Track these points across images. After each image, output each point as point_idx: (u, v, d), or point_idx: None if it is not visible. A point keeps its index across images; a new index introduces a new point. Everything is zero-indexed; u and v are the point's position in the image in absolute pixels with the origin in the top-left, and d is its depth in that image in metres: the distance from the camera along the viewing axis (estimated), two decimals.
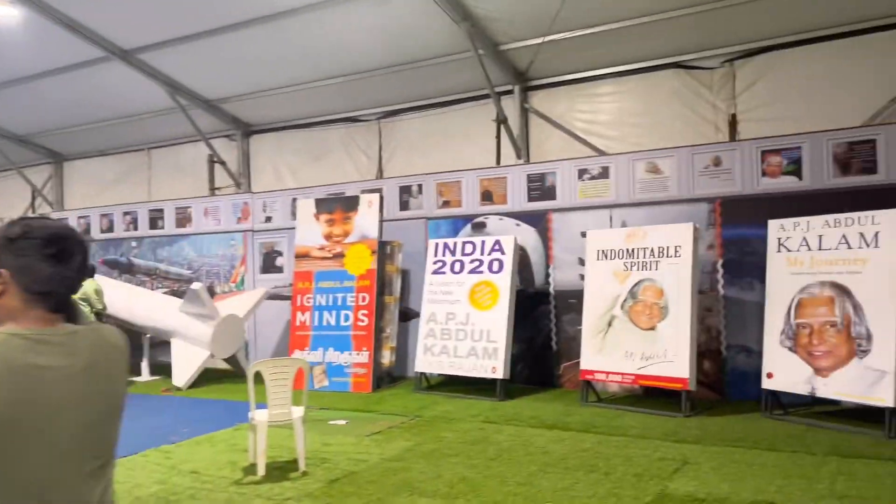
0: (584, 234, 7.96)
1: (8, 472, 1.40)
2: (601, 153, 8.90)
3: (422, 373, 8.44)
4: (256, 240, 10.81)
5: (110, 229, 12.41)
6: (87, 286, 8.99)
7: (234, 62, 9.92)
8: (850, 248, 6.14)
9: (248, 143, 11.93)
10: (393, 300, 8.98)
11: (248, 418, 5.46)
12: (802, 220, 6.56)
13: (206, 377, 9.37)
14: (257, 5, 8.50)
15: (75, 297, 1.64)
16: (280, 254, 10.57)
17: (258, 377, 5.21)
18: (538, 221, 8.70)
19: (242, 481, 5.12)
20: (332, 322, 8.80)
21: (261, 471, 5.19)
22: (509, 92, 9.52)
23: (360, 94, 10.33)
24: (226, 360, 9.63)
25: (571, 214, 8.51)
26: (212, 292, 10.60)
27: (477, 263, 8.31)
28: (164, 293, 11.06)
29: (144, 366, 9.93)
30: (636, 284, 7.23)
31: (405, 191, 9.68)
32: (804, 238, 6.51)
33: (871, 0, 7.26)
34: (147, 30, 9.35)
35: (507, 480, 4.91)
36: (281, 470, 5.34)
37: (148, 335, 9.87)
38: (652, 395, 7.49)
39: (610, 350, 7.29)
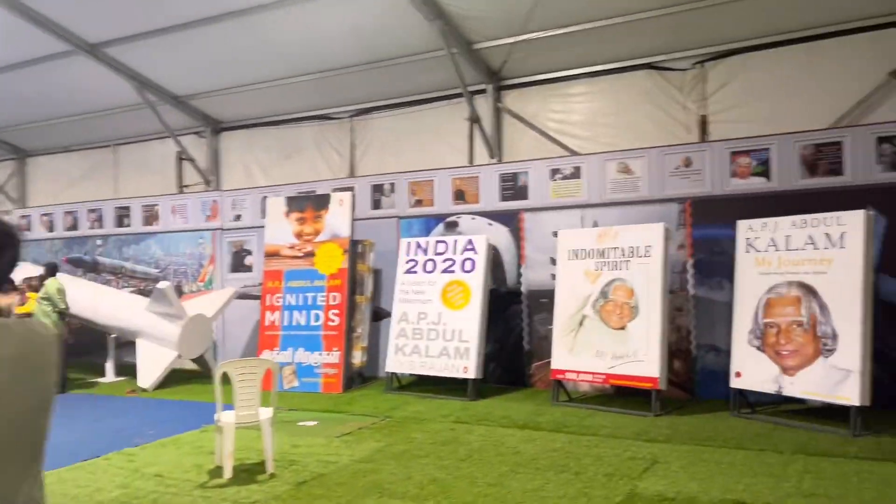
0: (555, 234, 7.97)
1: None
2: (573, 153, 8.91)
3: (393, 373, 8.38)
4: (225, 238, 10.65)
5: (75, 227, 12.14)
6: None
7: (204, 58, 9.75)
8: (816, 248, 6.22)
9: (218, 140, 11.75)
10: (364, 300, 8.91)
11: (214, 420, 5.35)
12: (770, 220, 6.63)
13: (173, 378, 9.20)
14: (228, 0, 8.36)
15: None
16: (249, 252, 10.42)
17: (226, 378, 5.11)
18: (510, 221, 8.69)
19: (208, 484, 5.02)
20: (303, 322, 8.70)
21: (227, 473, 5.09)
22: (482, 91, 9.49)
23: (333, 92, 10.23)
24: (193, 360, 9.48)
25: (543, 214, 8.51)
26: (179, 292, 10.42)
27: (449, 263, 8.27)
28: (131, 292, 10.84)
29: (109, 366, 9.73)
30: (607, 284, 7.25)
31: (377, 189, 9.61)
32: (772, 238, 6.58)
33: (838, 4, 7.37)
34: (114, 23, 9.14)
35: (478, 481, 4.87)
36: (248, 472, 5.24)
37: (113, 335, 9.66)
38: (623, 395, 7.51)
39: (581, 349, 7.30)
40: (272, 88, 10.30)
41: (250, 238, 10.40)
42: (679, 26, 7.95)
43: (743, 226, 6.84)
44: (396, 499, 4.58)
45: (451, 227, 9.03)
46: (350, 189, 9.36)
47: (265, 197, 9.90)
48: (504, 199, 8.77)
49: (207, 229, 10.80)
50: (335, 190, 9.35)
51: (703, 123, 8.38)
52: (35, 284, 9.17)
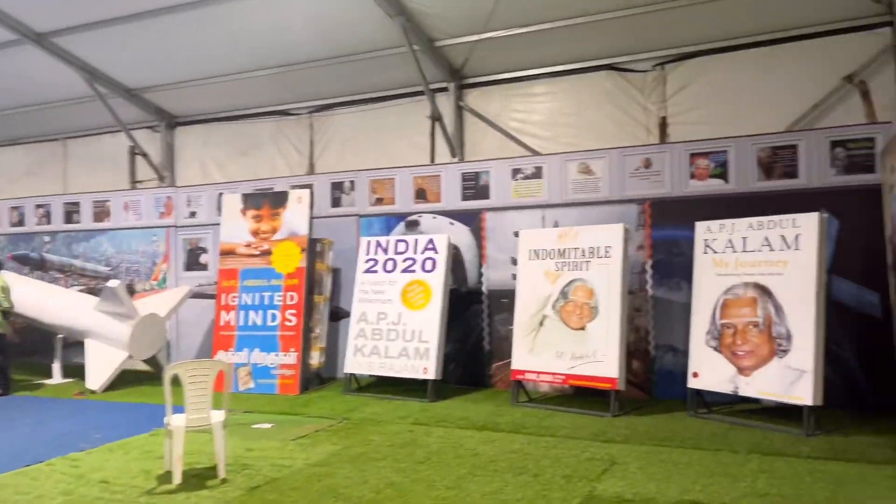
0: (517, 234, 7.93)
1: None
2: (535, 153, 8.90)
3: (352, 374, 8.24)
4: (180, 236, 10.37)
5: (21, 223, 11.71)
6: None
7: (158, 50, 9.48)
8: (772, 250, 6.29)
9: (173, 134, 11.46)
10: (323, 299, 8.75)
11: (164, 423, 5.16)
12: (728, 222, 6.69)
13: (124, 379, 8.92)
14: None
15: None
16: (205, 250, 10.17)
17: (177, 380, 4.93)
18: (472, 220, 8.63)
19: (156, 490, 4.84)
20: (259, 322, 8.50)
21: (176, 479, 4.91)
22: (444, 89, 9.43)
23: (292, 87, 10.05)
24: (145, 361, 9.20)
25: (505, 214, 8.47)
26: (132, 290, 10.12)
27: (410, 262, 8.18)
28: (80, 291, 10.49)
29: (56, 367, 9.38)
30: (567, 284, 7.24)
31: (337, 187, 9.46)
32: (729, 240, 6.63)
33: (794, 10, 7.49)
34: (63, 12, 8.83)
35: (436, 484, 4.79)
36: (199, 478, 5.07)
37: (61, 335, 9.32)
38: (582, 395, 7.52)
39: (541, 350, 7.28)
40: (229, 82, 10.08)
41: (205, 236, 10.15)
42: (639, 28, 8.00)
43: (701, 227, 6.90)
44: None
45: (412, 226, 8.94)
46: (309, 186, 9.19)
47: (221, 194, 9.66)
48: (465, 198, 8.71)
49: (161, 226, 10.51)
50: (293, 187, 9.17)
51: (663, 125, 8.44)
52: None
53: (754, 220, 6.48)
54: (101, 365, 8.67)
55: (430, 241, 8.12)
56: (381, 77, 9.52)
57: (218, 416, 5.10)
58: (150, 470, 5.30)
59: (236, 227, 8.90)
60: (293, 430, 6.46)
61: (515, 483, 4.77)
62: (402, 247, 8.28)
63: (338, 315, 9.14)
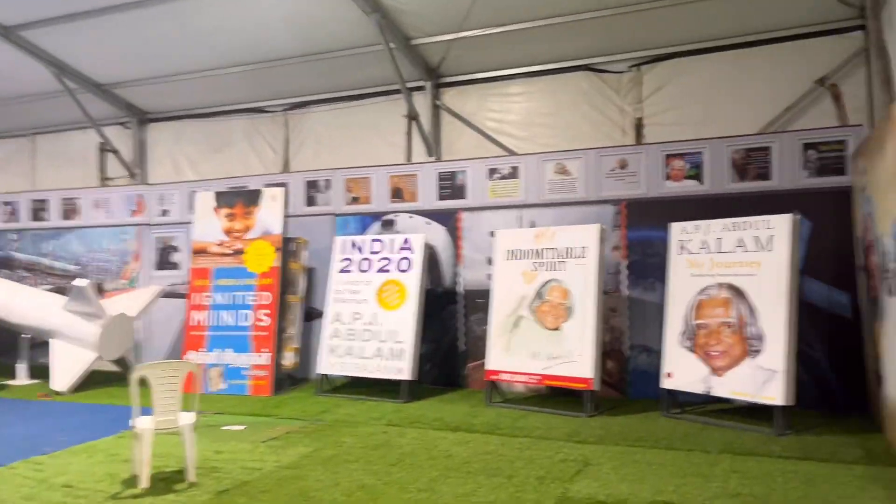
0: (493, 234, 7.91)
1: None
2: (511, 153, 8.88)
3: (325, 375, 8.15)
4: (151, 234, 10.19)
5: None
6: None
7: (130, 44, 9.31)
8: (745, 251, 6.33)
9: (145, 131, 11.27)
10: (297, 299, 8.65)
11: (130, 426, 5.04)
12: (703, 223, 6.72)
13: (92, 380, 8.74)
14: None
15: None
16: (176, 249, 10.00)
17: (146, 381, 4.82)
18: (448, 220, 8.58)
19: (121, 495, 4.72)
20: (231, 322, 8.38)
21: (143, 483, 4.80)
22: (421, 88, 9.38)
23: (267, 84, 9.93)
24: (114, 361, 9.03)
25: (481, 214, 8.44)
26: (101, 290, 9.93)
27: (385, 262, 8.11)
28: (48, 290, 10.25)
29: (21, 368, 9.16)
30: (543, 285, 7.22)
31: (312, 186, 9.36)
32: (704, 241, 6.66)
33: (767, 13, 7.55)
34: (31, 5, 8.63)
35: (408, 487, 4.73)
36: (166, 481, 4.96)
37: (27, 335, 9.10)
38: (556, 395, 7.51)
39: (516, 350, 7.26)
40: (203, 79, 9.93)
41: (177, 234, 9.99)
42: (616, 29, 8.02)
43: (676, 228, 6.92)
44: None
45: (388, 225, 8.87)
46: (283, 185, 9.08)
47: (194, 192, 9.50)
48: (442, 197, 8.66)
49: (132, 225, 10.32)
50: (267, 185, 9.06)
51: (639, 126, 8.47)
52: None
53: (728, 221, 6.52)
54: (67, 365, 8.48)
55: (406, 240, 8.07)
56: (358, 75, 9.44)
57: (187, 418, 4.99)
58: (116, 474, 5.18)
59: (209, 225, 8.77)
60: (265, 432, 6.36)
61: (489, 485, 4.74)
62: (377, 246, 8.21)
63: (312, 315, 9.04)
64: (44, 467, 5.37)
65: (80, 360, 8.50)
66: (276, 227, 8.47)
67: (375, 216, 8.95)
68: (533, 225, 8.06)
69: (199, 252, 8.76)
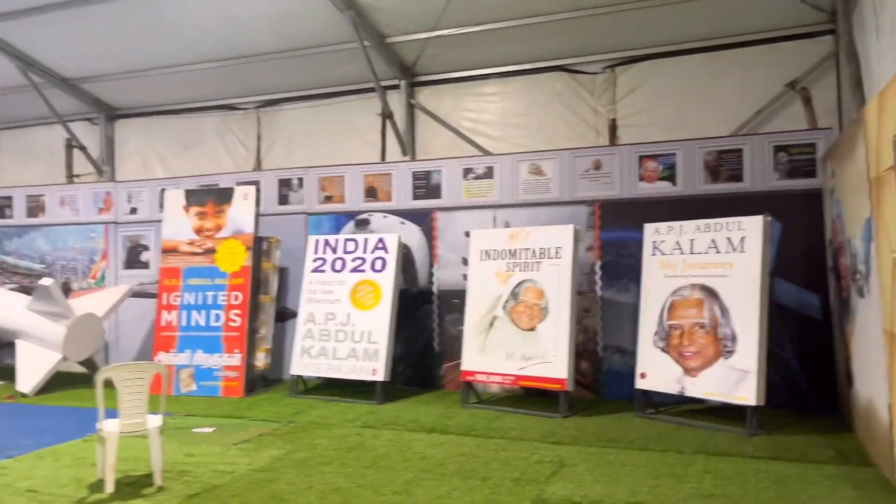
0: (468, 234, 7.88)
1: None
2: (486, 153, 8.87)
3: (298, 376, 8.06)
4: (120, 232, 9.99)
5: None
6: None
7: (98, 38, 9.11)
8: (718, 252, 6.37)
9: (113, 127, 11.05)
10: (269, 299, 8.53)
11: (96, 429, 4.92)
12: (676, 224, 6.76)
13: (60, 382, 8.54)
14: None
15: None
16: (146, 248, 9.82)
17: (110, 383, 4.70)
18: (423, 220, 8.54)
19: (87, 500, 4.60)
20: (202, 322, 8.24)
21: (109, 487, 4.68)
22: (395, 86, 9.32)
23: (239, 81, 9.79)
24: (81, 363, 8.82)
25: (456, 214, 8.40)
26: (67, 289, 9.71)
27: (359, 262, 8.03)
28: (11, 289, 9.99)
29: None
30: (518, 285, 7.21)
31: (285, 184, 9.23)
32: (677, 242, 6.70)
33: (739, 16, 7.62)
34: None
35: (382, 489, 4.68)
36: (133, 486, 4.85)
37: None
38: (531, 396, 7.51)
39: (491, 351, 7.24)
40: (173, 74, 9.76)
41: (147, 233, 9.80)
42: (590, 30, 8.04)
43: (650, 229, 6.95)
44: None
45: (362, 224, 8.79)
46: (255, 183, 8.95)
47: (163, 189, 9.33)
48: (416, 197, 8.61)
49: (100, 223, 10.10)
50: (239, 184, 8.93)
51: (613, 127, 8.50)
52: None
53: (701, 222, 6.56)
54: (32, 367, 8.27)
55: (381, 240, 8.00)
56: (332, 72, 9.35)
57: (155, 421, 4.89)
58: (82, 478, 5.05)
59: (179, 224, 8.61)
60: (236, 435, 6.26)
61: (463, 487, 4.70)
62: (351, 246, 8.13)
63: (284, 315, 8.94)
64: (8, 471, 5.22)
65: (46, 361, 8.30)
66: (248, 226, 8.35)
67: (349, 215, 8.87)
68: (507, 225, 8.05)
69: (169, 251, 8.60)
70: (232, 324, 8.15)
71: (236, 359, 8.05)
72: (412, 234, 8.52)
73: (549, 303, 6.96)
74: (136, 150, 10.91)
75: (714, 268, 6.37)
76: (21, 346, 8.42)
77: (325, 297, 8.05)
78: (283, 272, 8.92)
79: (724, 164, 7.35)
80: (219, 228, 8.44)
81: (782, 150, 7.16)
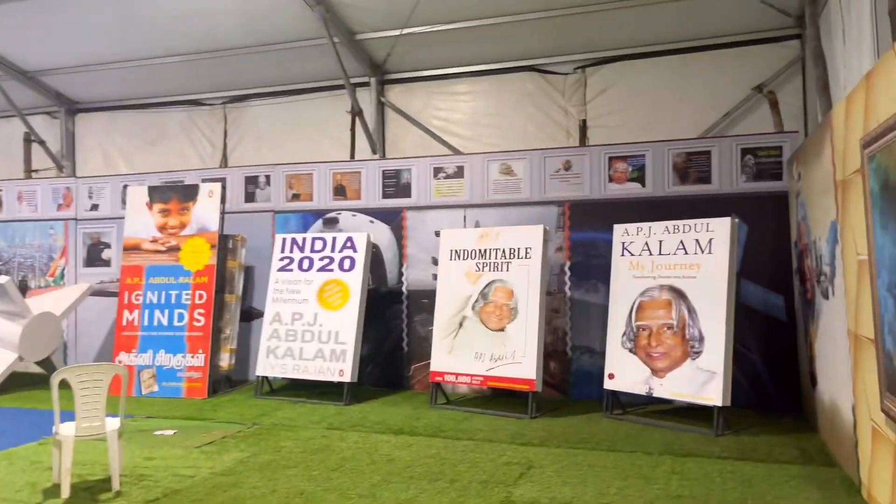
0: (438, 234, 7.82)
1: None
2: (457, 152, 8.82)
3: (264, 377, 7.91)
4: (80, 229, 9.73)
5: None
6: None
7: (59, 30, 8.85)
8: (686, 253, 6.41)
9: (74, 122, 10.78)
10: (234, 298, 8.37)
11: (53, 432, 4.76)
12: (645, 225, 6.78)
13: (15, 383, 8.28)
14: None
15: None
16: (107, 245, 9.57)
17: (67, 384, 4.54)
18: (392, 219, 8.45)
19: None
20: (165, 322, 8.05)
21: (65, 492, 4.53)
22: (365, 84, 9.22)
23: (205, 76, 9.60)
24: (39, 363, 8.56)
25: (426, 213, 8.33)
26: (24, 287, 9.43)
27: (327, 261, 7.92)
28: None
29: None
30: (487, 285, 7.17)
31: (251, 181, 9.07)
32: (646, 243, 6.72)
33: (708, 19, 7.69)
34: None
35: (348, 493, 4.60)
36: (90, 491, 4.70)
37: None
38: (500, 396, 7.47)
39: (460, 351, 7.18)
40: (137, 68, 9.54)
41: (108, 230, 9.56)
42: (561, 30, 8.04)
43: (619, 230, 6.96)
44: None
45: (331, 223, 8.68)
46: (221, 180, 8.78)
47: (126, 186, 9.11)
48: (386, 196, 8.52)
49: (59, 219, 9.82)
50: (205, 181, 8.75)
51: (583, 128, 8.52)
52: None
53: (670, 223, 6.59)
54: None
55: (349, 239, 7.89)
56: (301, 69, 9.22)
57: (113, 424, 4.74)
58: (37, 483, 4.88)
59: (142, 221, 8.41)
60: (199, 437, 6.11)
61: (431, 490, 4.64)
62: (319, 245, 8.01)
63: (250, 315, 8.78)
64: None
65: (0, 361, 8.03)
66: (214, 224, 8.18)
67: (317, 214, 8.74)
68: (477, 225, 8.01)
69: (131, 249, 8.39)
70: (196, 323, 7.97)
71: (200, 359, 7.88)
72: (381, 234, 8.43)
73: (519, 303, 6.93)
74: (98, 145, 10.64)
75: (682, 269, 6.40)
76: None
77: (292, 296, 7.92)
78: (249, 271, 8.76)
79: (693, 165, 7.40)
80: (183, 226, 8.26)
81: (749, 153, 7.23)
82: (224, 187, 8.43)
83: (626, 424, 6.43)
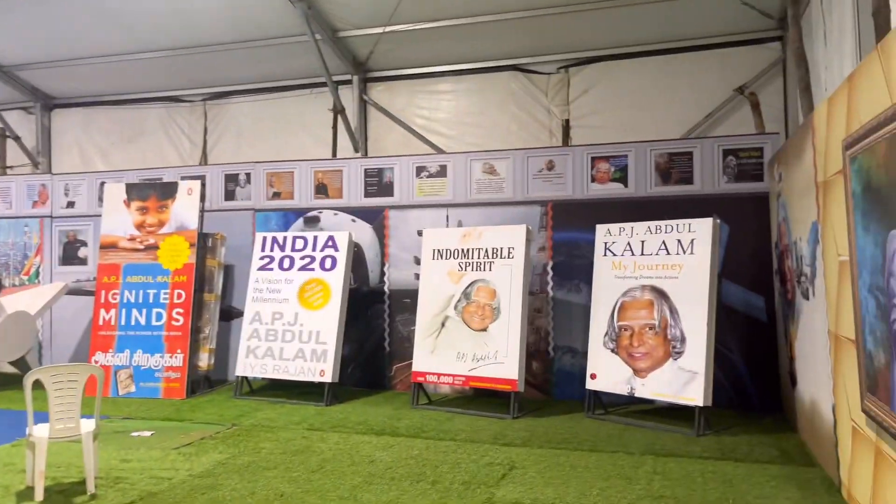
0: (420, 233, 7.77)
1: None
2: (440, 151, 8.78)
3: (243, 377, 7.82)
4: (56, 227, 9.56)
5: None
6: None
7: (35, 24, 8.68)
8: (668, 253, 6.42)
9: (50, 117, 10.59)
10: (213, 298, 8.26)
11: (26, 434, 4.65)
12: (627, 225, 6.79)
13: None
14: None
15: None
16: (84, 243, 9.41)
17: (41, 385, 4.44)
18: (374, 218, 8.39)
19: None
20: (142, 321, 7.93)
21: (38, 496, 4.43)
22: (348, 82, 9.15)
23: (185, 72, 9.48)
24: (13, 363, 8.39)
25: (409, 212, 8.28)
26: None
27: (308, 260, 7.84)
28: None
29: None
30: (470, 285, 7.14)
31: (231, 179, 8.97)
32: (628, 243, 6.73)
33: (690, 21, 7.72)
34: None
35: (329, 495, 4.54)
36: (64, 494, 4.60)
37: None
38: (482, 396, 7.44)
39: (442, 351, 7.15)
40: (116, 63, 9.40)
41: (85, 228, 9.40)
42: (544, 30, 8.03)
43: (601, 230, 6.97)
44: None
45: (312, 222, 8.60)
46: (201, 178, 8.67)
47: (103, 183, 8.96)
48: (368, 194, 8.46)
49: (34, 216, 9.64)
50: (184, 178, 8.63)
51: (566, 128, 8.51)
52: None
53: (652, 224, 6.60)
54: None
55: (331, 238, 7.82)
56: (282, 66, 9.13)
57: (88, 426, 4.64)
58: (10, 485, 4.77)
59: (119, 219, 8.27)
60: (177, 438, 6.02)
61: (413, 491, 4.60)
62: (300, 243, 7.93)
63: (230, 314, 8.68)
64: None
65: None
66: (193, 222, 8.07)
67: (298, 212, 8.66)
68: (460, 224, 7.97)
69: (108, 247, 8.25)
70: (174, 323, 7.86)
71: (178, 359, 7.78)
72: (363, 233, 8.37)
73: (501, 303, 6.90)
74: (75, 141, 10.47)
75: (664, 269, 6.41)
76: None
77: (273, 295, 7.83)
78: (228, 270, 8.66)
79: (675, 166, 7.42)
80: (161, 224, 8.14)
81: (731, 154, 7.26)
82: (203, 185, 8.33)
83: (608, 424, 6.43)
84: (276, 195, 8.78)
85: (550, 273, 7.69)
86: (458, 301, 7.17)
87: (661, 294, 6.38)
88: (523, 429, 6.28)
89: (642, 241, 6.63)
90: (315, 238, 7.88)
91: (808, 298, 5.26)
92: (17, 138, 10.38)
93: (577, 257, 7.55)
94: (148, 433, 6.22)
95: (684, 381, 6.06)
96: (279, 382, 7.89)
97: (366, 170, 8.48)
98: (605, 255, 6.89)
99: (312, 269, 7.77)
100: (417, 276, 7.68)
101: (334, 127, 9.08)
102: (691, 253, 6.26)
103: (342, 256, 7.67)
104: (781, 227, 6.30)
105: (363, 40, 8.58)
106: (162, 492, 4.62)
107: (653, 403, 6.81)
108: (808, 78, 5.85)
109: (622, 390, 6.50)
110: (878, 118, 3.28)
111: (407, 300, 8.08)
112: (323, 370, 7.35)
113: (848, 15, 5.06)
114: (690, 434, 5.96)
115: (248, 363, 7.73)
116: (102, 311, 8.08)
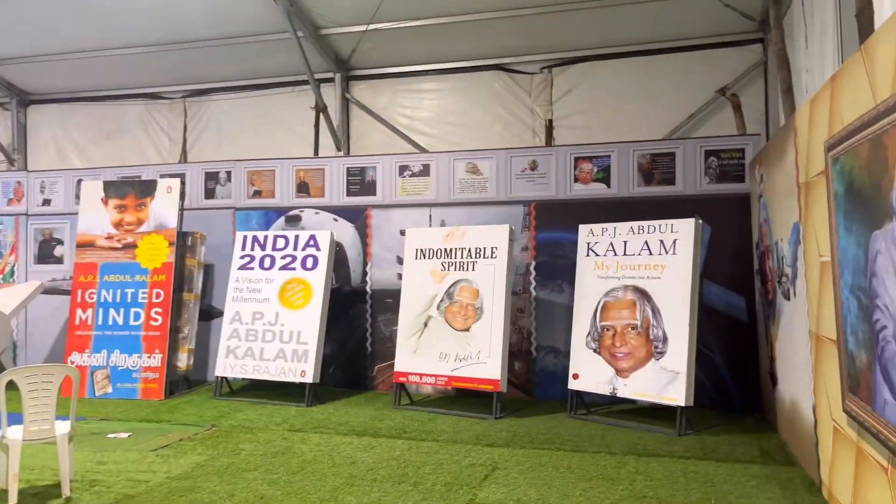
0: (403, 233, 7.73)
1: None
2: (423, 150, 8.74)
3: (223, 377, 7.73)
4: (31, 225, 9.39)
5: None
6: None
7: (11, 18, 8.52)
8: (651, 254, 6.43)
9: (26, 113, 10.41)
10: (193, 297, 8.16)
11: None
12: (610, 225, 6.79)
13: None
14: None
15: None
16: (60, 242, 9.26)
17: (15, 386, 4.34)
18: (357, 217, 8.33)
19: None
20: (120, 321, 7.81)
21: (12, 499, 4.33)
22: (330, 80, 9.09)
23: (165, 68, 9.36)
24: None
25: (391, 211, 8.24)
26: None
27: (289, 259, 7.77)
28: None
29: None
30: (453, 285, 7.11)
31: (212, 177, 8.86)
32: (611, 243, 6.73)
33: (673, 22, 7.75)
34: None
35: (309, 497, 4.49)
36: (39, 497, 4.50)
37: None
38: (464, 396, 7.42)
39: (424, 351, 7.11)
40: (94, 59, 9.26)
41: (61, 226, 9.24)
42: (528, 30, 8.03)
43: (584, 230, 6.97)
44: None
45: (293, 221, 8.52)
46: (180, 176, 8.56)
47: (80, 180, 8.82)
48: (350, 193, 8.40)
49: (9, 214, 9.47)
50: (163, 176, 8.52)
51: (549, 128, 8.51)
52: None
53: (635, 224, 6.61)
54: None
55: (312, 237, 7.76)
56: (264, 63, 9.04)
57: (63, 428, 4.55)
58: None
59: (96, 217, 8.14)
60: (154, 440, 5.93)
61: (394, 493, 4.55)
62: (281, 243, 7.85)
63: (210, 314, 8.58)
64: None
65: None
66: (172, 221, 7.96)
67: (280, 211, 8.58)
68: (443, 224, 7.94)
69: (85, 245, 8.11)
70: (153, 323, 7.75)
71: (156, 359, 7.66)
72: (345, 232, 8.31)
73: (484, 303, 6.88)
74: (51, 137, 10.30)
75: (646, 269, 6.42)
76: None
77: (253, 295, 7.75)
78: (208, 269, 8.55)
79: (658, 166, 7.44)
80: (140, 222, 8.02)
81: (713, 155, 7.30)
82: (183, 183, 8.22)
83: (591, 425, 6.43)
84: (257, 194, 8.69)
85: (533, 273, 7.68)
86: (441, 301, 7.13)
87: (643, 294, 6.39)
88: (506, 429, 6.26)
89: (625, 242, 6.64)
90: (296, 237, 7.81)
91: (789, 299, 5.29)
92: None
93: (560, 257, 7.55)
94: (125, 435, 6.12)
95: (666, 381, 6.07)
96: (259, 383, 7.81)
97: (348, 168, 8.42)
98: (587, 255, 6.89)
99: (294, 269, 7.70)
100: (400, 276, 7.64)
101: (316, 125, 9.00)
102: (673, 253, 6.27)
103: (324, 256, 7.61)
104: (763, 227, 6.34)
105: (346, 38, 8.52)
106: (139, 494, 4.54)
107: (635, 403, 6.82)
108: (790, 79, 5.88)
109: (604, 390, 6.50)
110: (861, 119, 3.30)
111: (389, 300, 8.03)
112: (304, 370, 7.28)
113: (829, 17, 5.10)
114: (672, 434, 5.97)
115: (228, 363, 7.64)
116: (79, 311, 7.94)
